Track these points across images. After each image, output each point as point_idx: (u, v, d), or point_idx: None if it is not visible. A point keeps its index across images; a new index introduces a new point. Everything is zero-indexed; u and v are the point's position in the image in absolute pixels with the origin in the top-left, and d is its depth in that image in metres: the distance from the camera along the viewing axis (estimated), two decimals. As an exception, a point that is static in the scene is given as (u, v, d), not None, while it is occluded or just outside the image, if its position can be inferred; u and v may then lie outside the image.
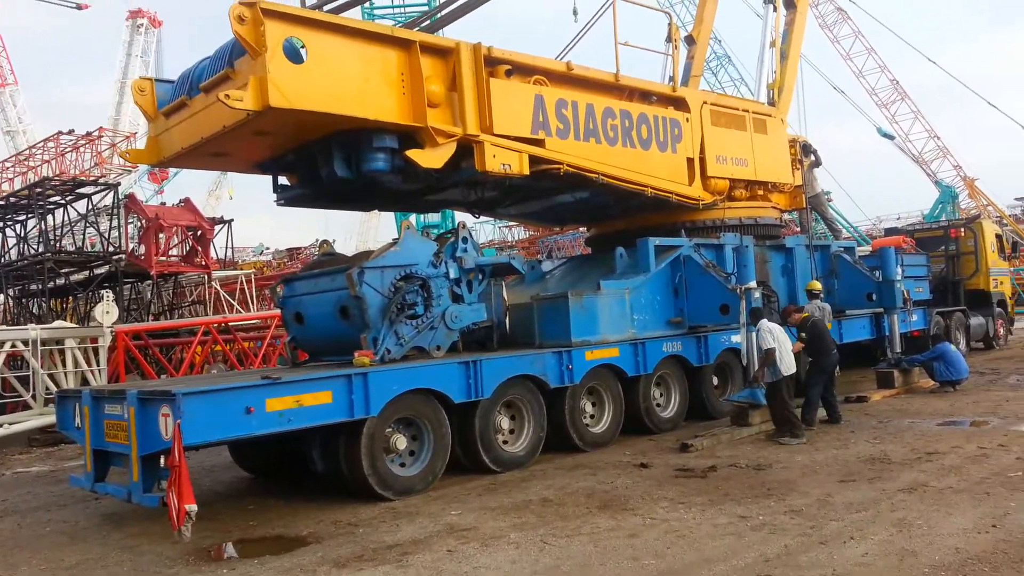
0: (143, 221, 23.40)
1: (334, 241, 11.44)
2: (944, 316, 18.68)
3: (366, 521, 7.93)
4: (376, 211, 70.60)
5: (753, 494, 7.77)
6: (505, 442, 10.02)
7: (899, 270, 14.74)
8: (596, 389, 11.10)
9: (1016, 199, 65.64)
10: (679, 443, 10.47)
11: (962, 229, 21.37)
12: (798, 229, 17.97)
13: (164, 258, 23.39)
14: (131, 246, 23.69)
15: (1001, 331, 21.50)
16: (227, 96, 8.06)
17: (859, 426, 11.02)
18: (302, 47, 8.65)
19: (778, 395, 10.76)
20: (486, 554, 6.48)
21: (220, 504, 9.28)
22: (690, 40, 16.57)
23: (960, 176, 55.69)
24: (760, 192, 14.03)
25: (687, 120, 12.63)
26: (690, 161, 12.65)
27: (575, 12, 42.55)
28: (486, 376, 9.55)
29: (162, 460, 7.69)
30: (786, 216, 15.96)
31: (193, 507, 7.08)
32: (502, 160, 10.07)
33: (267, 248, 55.72)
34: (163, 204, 25.52)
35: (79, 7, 58.39)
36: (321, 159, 9.91)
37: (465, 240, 10.37)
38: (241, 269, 29.26)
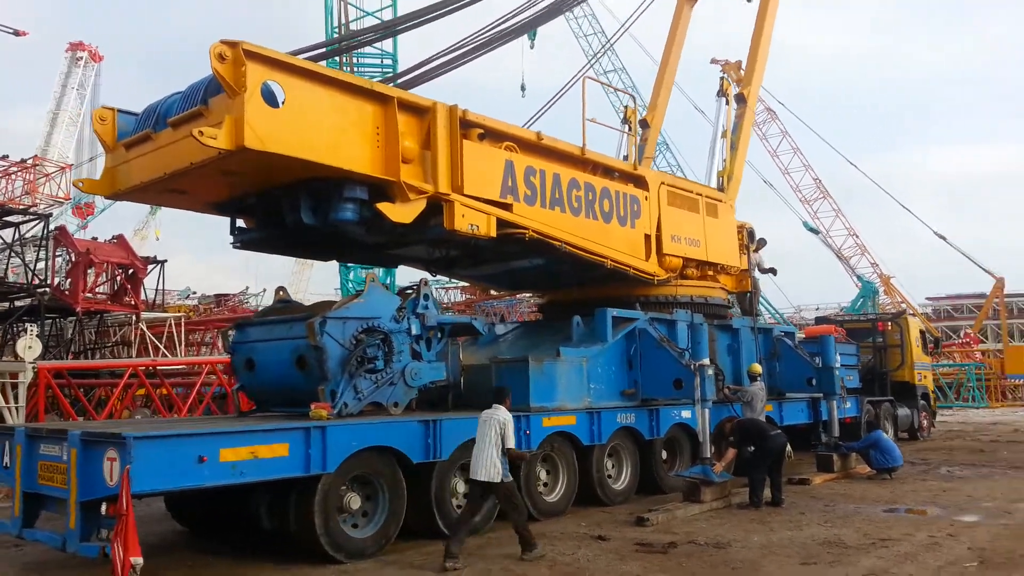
0: (72, 255, 22.43)
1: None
2: (874, 405, 19.23)
3: (316, 585, 7.53)
4: (308, 262, 69.13)
5: (718, 574, 7.69)
6: (459, 507, 9.73)
7: (837, 357, 15.16)
8: (551, 457, 10.96)
9: (927, 298, 69.18)
10: (634, 517, 10.35)
11: (889, 323, 22.21)
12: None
13: (91, 295, 22.38)
14: (56, 280, 22.61)
15: (925, 423, 22.22)
16: (201, 133, 7.86)
17: (807, 508, 11.10)
18: (280, 91, 8.54)
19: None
20: (452, 624, 6.18)
21: (157, 558, 8.67)
22: (644, 124, 17.15)
23: (877, 273, 58.36)
24: (710, 272, 14.37)
25: (646, 198, 12.92)
26: (647, 237, 12.89)
27: (523, 88, 43.83)
28: (445, 437, 9.35)
29: (103, 507, 7.20)
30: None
31: (139, 560, 6.65)
32: (471, 220, 10.06)
33: (194, 292, 53.99)
34: (94, 239, 24.57)
35: (16, 33, 56.76)
36: (287, 205, 9.70)
37: (427, 297, 10.25)
38: (168, 312, 28.16)
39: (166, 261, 25.39)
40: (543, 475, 10.89)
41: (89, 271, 22.23)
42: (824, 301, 62.47)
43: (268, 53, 8.35)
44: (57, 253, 22.90)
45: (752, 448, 11.79)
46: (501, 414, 8.62)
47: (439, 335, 10.37)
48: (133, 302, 23.18)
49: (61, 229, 23.07)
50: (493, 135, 10.62)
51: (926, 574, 7.54)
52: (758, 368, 13.65)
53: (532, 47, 37.18)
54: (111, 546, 6.69)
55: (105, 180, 9.86)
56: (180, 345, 25.40)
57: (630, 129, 15.97)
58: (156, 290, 26.15)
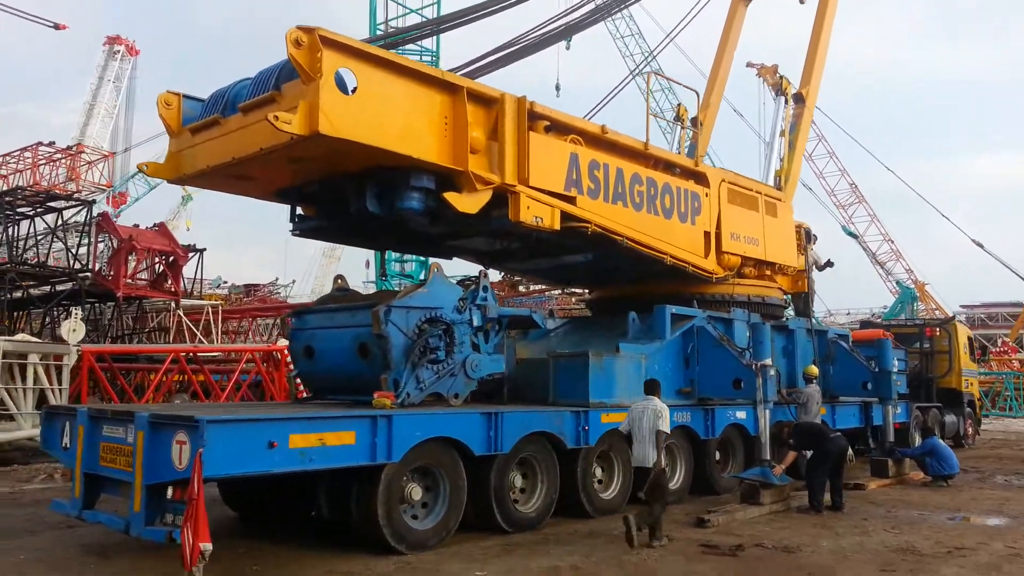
0: (114, 241, 22.54)
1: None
2: (922, 411, 18.83)
3: (383, 576, 7.40)
4: (336, 255, 69.17)
5: (790, 579, 7.48)
6: (515, 501, 9.56)
7: (895, 363, 14.83)
8: (607, 454, 10.73)
9: (961, 306, 68.00)
10: (693, 517, 10.13)
11: (938, 329, 21.77)
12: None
13: (131, 281, 22.48)
14: (97, 266, 22.72)
15: (970, 430, 21.78)
16: (276, 117, 7.75)
17: (869, 514, 10.81)
18: (352, 78, 8.42)
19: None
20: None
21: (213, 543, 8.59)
22: (696, 122, 16.87)
23: (911, 279, 57.55)
24: (767, 272, 14.09)
25: (706, 195, 12.68)
26: (707, 235, 12.65)
27: (558, 87, 43.60)
28: (506, 430, 9.18)
29: (169, 491, 7.13)
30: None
31: (208, 546, 6.54)
32: (535, 213, 9.88)
33: (224, 282, 54.32)
34: (136, 226, 24.68)
35: (57, 27, 57.20)
36: (352, 193, 9.57)
37: (486, 288, 10.09)
38: (205, 300, 28.26)
39: (205, 250, 25.46)
40: (599, 472, 10.67)
41: (130, 257, 22.30)
42: (855, 306, 61.61)
43: (343, 40, 8.24)
44: (99, 239, 23.03)
45: (810, 452, 11.52)
46: (655, 403, 9.13)
47: (496, 327, 10.23)
48: (173, 289, 23.26)
49: (104, 215, 23.18)
50: (558, 127, 10.44)
51: (1015, 586, 7.29)
52: (815, 370, 13.37)
53: (568, 48, 37.01)
54: (181, 531, 6.58)
55: (169, 164, 9.79)
56: (216, 333, 25.47)
57: (683, 127, 15.83)
58: (193, 278, 26.26)
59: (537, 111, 10.01)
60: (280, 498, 9.44)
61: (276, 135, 8.09)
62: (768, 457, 11.39)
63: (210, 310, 25.46)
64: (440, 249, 12.19)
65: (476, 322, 9.72)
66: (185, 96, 9.85)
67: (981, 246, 52.82)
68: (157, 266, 23.65)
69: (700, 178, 12.72)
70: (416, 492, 8.48)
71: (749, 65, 51.27)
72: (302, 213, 10.88)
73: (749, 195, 13.66)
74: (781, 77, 16.39)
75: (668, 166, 12.29)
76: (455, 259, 13.28)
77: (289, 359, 10.96)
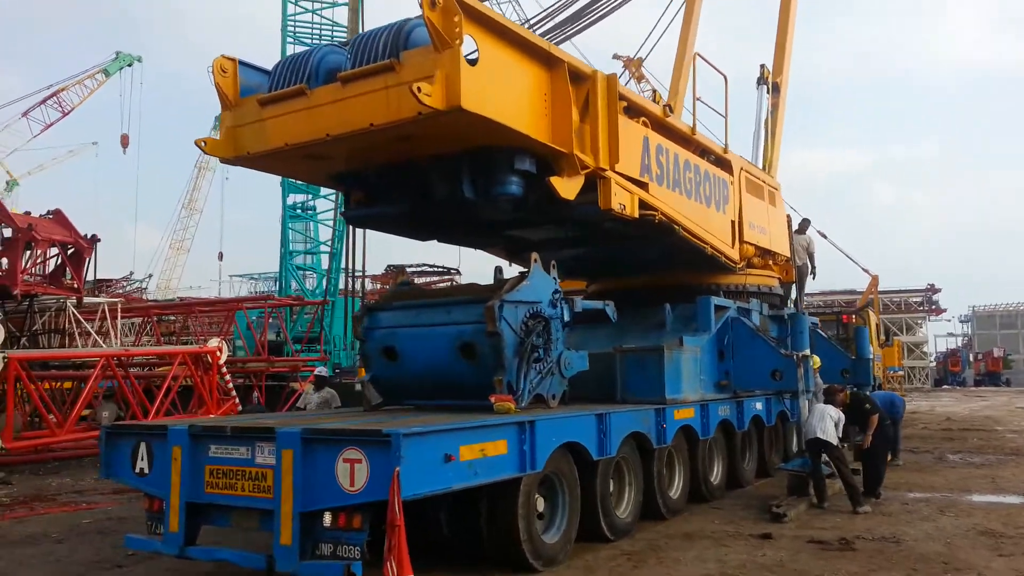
0: (6, 231, 19.67)
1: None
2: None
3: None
4: (185, 249, 65.13)
5: (937, 571, 7.52)
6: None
7: (871, 349, 15.55)
8: (671, 453, 10.47)
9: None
10: (761, 512, 10.13)
11: (854, 316, 23.20)
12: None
13: (28, 277, 19.76)
14: (-11, 259, 19.77)
15: (877, 411, 23.36)
16: (419, 89, 6.87)
17: (905, 500, 11.13)
18: (475, 47, 7.61)
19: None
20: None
21: None
22: (669, 108, 16.91)
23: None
24: (769, 262, 14.31)
25: (731, 183, 12.66)
26: (732, 223, 12.64)
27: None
28: (613, 431, 8.71)
29: (327, 518, 6.18)
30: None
31: (412, 580, 5.68)
32: (620, 200, 9.41)
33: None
34: (27, 213, 21.66)
35: None
36: (443, 178, 8.72)
37: (556, 280, 9.53)
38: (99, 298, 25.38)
39: (100, 240, 22.82)
40: (665, 471, 10.36)
41: (27, 250, 19.60)
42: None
43: (471, 2, 7.40)
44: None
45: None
46: (831, 409, 10.75)
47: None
48: (75, 285, 20.69)
49: (-7, 200, 20.07)
50: (633, 109, 10.02)
51: None
52: (819, 361, 13.69)
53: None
54: (384, 564, 5.69)
55: (227, 141, 8.51)
56: (116, 333, 22.98)
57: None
58: (84, 273, 23.51)
59: (621, 91, 9.53)
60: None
61: (396, 109, 7.26)
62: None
63: (106, 308, 22.91)
64: (489, 239, 11.43)
65: (566, 317, 9.16)
66: (242, 63, 8.60)
67: (825, 236, 57.25)
68: (55, 259, 20.95)
69: (726, 165, 12.65)
70: (540, 503, 7.87)
71: (615, 57, 52.55)
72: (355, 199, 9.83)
73: (759, 183, 13.77)
74: (762, 66, 16.68)
75: (703, 152, 12.17)
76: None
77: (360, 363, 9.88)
